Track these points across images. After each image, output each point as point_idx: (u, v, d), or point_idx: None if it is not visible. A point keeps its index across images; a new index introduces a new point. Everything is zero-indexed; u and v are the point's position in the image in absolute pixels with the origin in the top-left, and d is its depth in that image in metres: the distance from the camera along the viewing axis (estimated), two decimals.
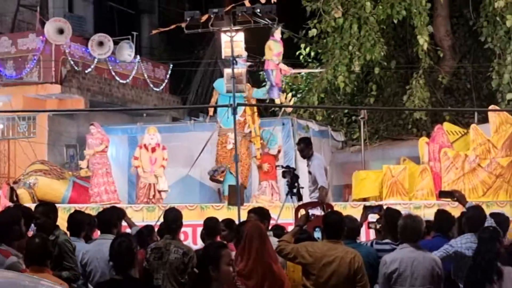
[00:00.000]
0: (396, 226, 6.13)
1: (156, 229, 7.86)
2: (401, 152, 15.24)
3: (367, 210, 7.45)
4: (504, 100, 15.63)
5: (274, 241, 6.34)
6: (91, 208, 12.36)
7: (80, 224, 6.86)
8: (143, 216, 12.58)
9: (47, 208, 6.69)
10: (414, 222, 5.83)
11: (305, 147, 10.69)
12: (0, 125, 16.32)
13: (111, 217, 6.89)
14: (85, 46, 17.49)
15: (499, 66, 15.90)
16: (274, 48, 13.93)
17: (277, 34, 13.98)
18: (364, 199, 13.71)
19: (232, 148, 13.37)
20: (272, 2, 12.51)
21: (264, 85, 14.61)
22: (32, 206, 12.63)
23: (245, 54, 13.09)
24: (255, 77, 17.61)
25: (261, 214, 7.12)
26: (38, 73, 16.77)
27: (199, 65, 21.60)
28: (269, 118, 15.86)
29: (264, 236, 5.84)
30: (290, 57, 18.93)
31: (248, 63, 14.03)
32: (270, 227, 7.36)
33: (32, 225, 6.61)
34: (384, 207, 7.53)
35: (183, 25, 12.29)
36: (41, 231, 6.19)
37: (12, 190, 13.85)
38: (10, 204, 12.88)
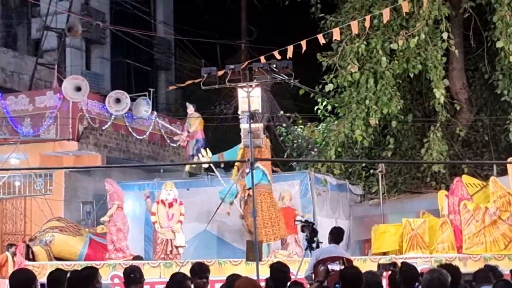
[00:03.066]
0: (412, 280, 6.17)
1: None
2: (420, 205, 15.24)
3: (381, 267, 7.45)
4: None
5: None
6: (108, 265, 12.47)
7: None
8: (161, 272, 12.50)
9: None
10: (442, 276, 5.75)
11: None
12: (17, 183, 16.07)
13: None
14: (102, 103, 17.40)
15: None
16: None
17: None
18: (384, 253, 13.75)
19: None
20: (288, 57, 12.49)
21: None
22: (48, 264, 12.79)
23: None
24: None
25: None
26: (55, 130, 16.64)
27: (216, 120, 21.48)
28: (287, 173, 15.89)
29: None
30: (307, 112, 19.44)
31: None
32: (288, 283, 7.04)
33: None
34: (398, 262, 7.55)
35: (199, 81, 12.13)
36: None
37: (28, 247, 13.79)
38: (26, 262, 13.13)
